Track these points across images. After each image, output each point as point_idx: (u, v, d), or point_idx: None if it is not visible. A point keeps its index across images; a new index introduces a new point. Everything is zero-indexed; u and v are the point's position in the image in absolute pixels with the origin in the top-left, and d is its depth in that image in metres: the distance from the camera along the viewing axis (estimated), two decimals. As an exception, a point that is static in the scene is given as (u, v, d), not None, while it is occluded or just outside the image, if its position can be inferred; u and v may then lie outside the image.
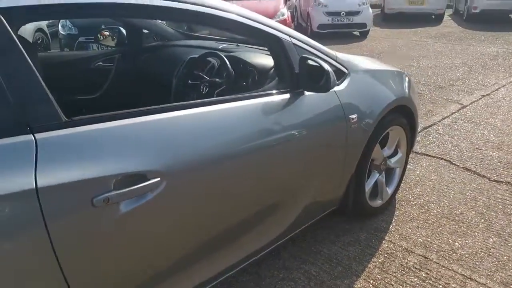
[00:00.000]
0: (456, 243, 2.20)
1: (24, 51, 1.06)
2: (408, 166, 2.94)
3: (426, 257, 2.09)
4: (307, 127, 1.76)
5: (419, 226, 2.36)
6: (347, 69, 2.06)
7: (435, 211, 2.50)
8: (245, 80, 2.04)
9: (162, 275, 1.38)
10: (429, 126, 3.90)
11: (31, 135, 1.03)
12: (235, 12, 1.59)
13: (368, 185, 2.31)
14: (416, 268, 2.02)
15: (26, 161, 1.00)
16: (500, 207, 2.51)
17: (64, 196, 1.05)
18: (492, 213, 2.45)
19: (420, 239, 2.24)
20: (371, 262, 2.07)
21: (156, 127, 1.29)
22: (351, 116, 1.96)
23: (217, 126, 1.45)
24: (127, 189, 1.15)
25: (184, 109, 1.39)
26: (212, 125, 1.44)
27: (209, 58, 2.24)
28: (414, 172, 3.01)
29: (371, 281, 1.95)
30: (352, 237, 2.28)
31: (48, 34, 8.60)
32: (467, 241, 2.22)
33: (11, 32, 1.04)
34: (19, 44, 1.06)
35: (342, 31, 9.74)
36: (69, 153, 1.08)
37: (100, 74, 2.61)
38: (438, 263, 2.05)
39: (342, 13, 9.52)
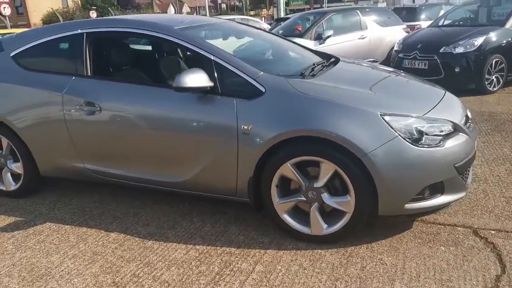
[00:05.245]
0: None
1: None
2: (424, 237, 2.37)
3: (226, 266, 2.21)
4: (192, 118, 2.56)
5: (301, 265, 2.25)
6: (265, 88, 2.42)
7: (352, 269, 2.19)
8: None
9: (106, 159, 2.94)
10: None
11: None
12: (182, 38, 2.71)
13: (282, 201, 2.41)
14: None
15: None
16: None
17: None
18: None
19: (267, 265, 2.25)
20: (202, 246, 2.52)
21: (114, 87, 2.84)
22: (243, 125, 2.39)
23: (141, 96, 2.73)
24: (84, 107, 2.82)
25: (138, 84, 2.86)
26: (139, 94, 2.75)
27: None
28: (427, 240, 2.33)
29: (185, 247, 2.52)
30: (248, 236, 2.58)
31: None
32: None
33: None
34: None
35: None
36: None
37: None
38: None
39: None
